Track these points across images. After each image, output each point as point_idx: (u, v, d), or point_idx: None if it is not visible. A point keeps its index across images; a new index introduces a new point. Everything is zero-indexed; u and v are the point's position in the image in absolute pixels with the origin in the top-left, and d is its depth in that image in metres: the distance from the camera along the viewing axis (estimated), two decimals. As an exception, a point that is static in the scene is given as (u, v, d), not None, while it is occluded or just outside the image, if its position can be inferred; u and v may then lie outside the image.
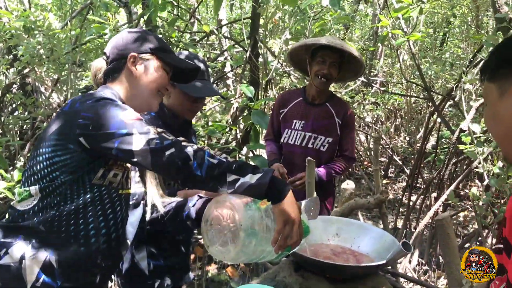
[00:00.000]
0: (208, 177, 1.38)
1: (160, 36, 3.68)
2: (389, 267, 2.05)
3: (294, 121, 2.93)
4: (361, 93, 7.94)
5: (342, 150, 2.92)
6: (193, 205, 1.77)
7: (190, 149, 1.39)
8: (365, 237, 1.99)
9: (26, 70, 4.56)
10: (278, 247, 1.39)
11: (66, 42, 4.27)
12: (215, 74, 5.34)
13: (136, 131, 1.40)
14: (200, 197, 1.81)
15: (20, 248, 1.47)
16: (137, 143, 1.39)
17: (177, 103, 2.15)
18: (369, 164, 8.38)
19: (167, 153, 1.38)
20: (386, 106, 8.46)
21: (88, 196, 1.50)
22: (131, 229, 1.75)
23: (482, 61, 1.19)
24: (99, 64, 1.69)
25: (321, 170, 2.82)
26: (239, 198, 1.42)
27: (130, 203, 1.73)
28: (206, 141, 4.17)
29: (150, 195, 1.84)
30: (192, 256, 4.27)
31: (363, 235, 2.01)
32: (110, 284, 3.23)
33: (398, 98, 7.60)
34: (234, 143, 4.45)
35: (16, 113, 5.44)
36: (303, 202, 1.76)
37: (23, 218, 1.50)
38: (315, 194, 2.36)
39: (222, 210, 1.44)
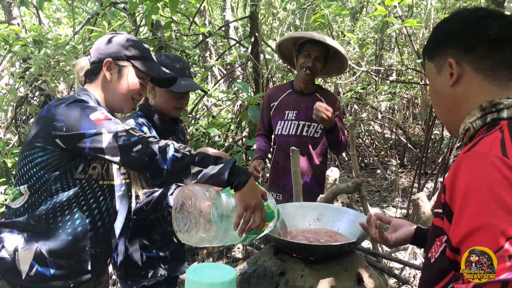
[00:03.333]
0: (173, 170, 1.49)
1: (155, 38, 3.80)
2: (370, 248, 2.10)
3: (287, 112, 3.02)
4: (373, 83, 7.90)
5: None
6: (171, 194, 1.89)
7: (155, 145, 1.50)
8: (344, 220, 2.06)
9: (39, 82, 4.76)
10: (241, 230, 1.49)
11: (72, 52, 4.44)
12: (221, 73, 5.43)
13: (105, 130, 1.51)
14: (178, 186, 1.92)
15: (14, 241, 1.62)
16: (106, 141, 1.51)
17: (162, 102, 2.26)
18: (385, 154, 8.34)
19: (135, 149, 1.49)
20: (402, 96, 8.40)
21: (71, 190, 1.63)
22: (120, 218, 1.87)
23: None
24: (83, 63, 1.80)
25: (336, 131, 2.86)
26: (204, 186, 1.51)
27: (118, 194, 1.84)
28: (207, 140, 4.27)
29: (134, 186, 1.96)
30: (204, 252, 4.39)
31: (342, 218, 2.07)
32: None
33: (410, 86, 7.55)
34: (240, 141, 4.56)
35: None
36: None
37: (16, 215, 1.65)
38: (301, 182, 2.44)
39: (187, 198, 1.53)
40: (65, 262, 1.66)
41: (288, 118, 3.02)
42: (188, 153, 1.50)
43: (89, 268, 1.73)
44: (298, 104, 3.01)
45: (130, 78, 1.75)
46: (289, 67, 5.86)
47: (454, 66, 1.13)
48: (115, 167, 1.83)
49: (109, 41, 1.76)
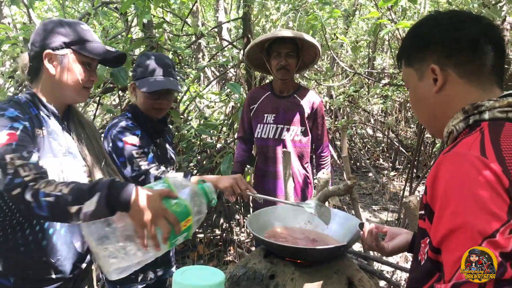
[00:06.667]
0: (53, 215, 1.38)
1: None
2: (362, 251, 2.08)
3: (265, 115, 3.01)
4: (365, 86, 7.92)
5: (315, 140, 3.01)
6: None
7: (29, 192, 1.37)
8: (334, 222, 2.04)
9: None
10: (154, 246, 1.38)
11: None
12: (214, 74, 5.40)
13: None
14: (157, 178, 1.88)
15: None
16: None
17: (142, 102, 2.20)
18: (377, 157, 8.36)
19: (13, 193, 1.38)
20: (394, 99, 8.42)
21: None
22: None
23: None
24: (25, 60, 1.68)
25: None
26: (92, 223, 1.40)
27: None
28: (199, 142, 4.24)
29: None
30: (195, 254, 4.36)
31: (332, 220, 2.04)
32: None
33: (402, 89, 7.57)
34: (232, 142, 4.54)
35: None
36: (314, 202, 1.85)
37: None
38: (292, 184, 2.42)
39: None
40: (24, 273, 1.59)
41: (267, 122, 3.01)
42: (60, 193, 1.36)
43: (54, 276, 1.65)
44: (277, 107, 3.00)
45: (74, 67, 1.63)
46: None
47: (438, 72, 1.12)
48: (72, 165, 1.69)
49: (43, 30, 1.61)
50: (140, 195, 1.36)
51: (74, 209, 1.34)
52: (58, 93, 1.67)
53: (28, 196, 1.36)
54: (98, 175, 1.78)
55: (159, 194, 1.41)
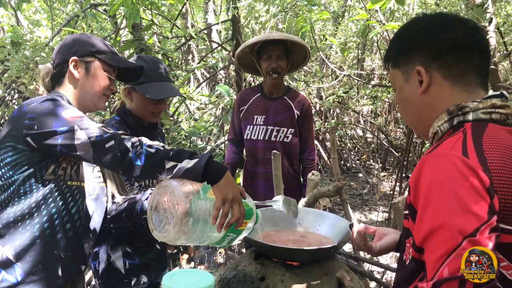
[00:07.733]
0: (147, 166, 1.47)
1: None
2: (352, 252, 2.09)
3: (255, 116, 3.01)
4: (355, 87, 7.95)
5: (303, 142, 3.02)
6: (146, 198, 1.85)
7: (128, 141, 1.48)
8: (324, 224, 2.05)
9: (17, 84, 4.66)
10: (219, 225, 1.46)
11: (51, 54, 4.36)
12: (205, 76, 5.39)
13: (78, 127, 1.50)
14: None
15: None
16: (79, 138, 1.49)
17: (139, 107, 2.19)
18: (367, 157, 8.39)
19: (107, 145, 1.47)
20: (384, 100, 8.46)
21: (40, 191, 1.59)
22: (93, 223, 1.82)
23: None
24: (47, 68, 1.77)
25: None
26: (180, 181, 1.48)
27: (91, 197, 1.80)
28: (189, 144, 4.24)
29: (110, 190, 1.92)
30: (186, 257, 4.35)
31: (322, 223, 2.06)
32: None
33: (391, 90, 7.61)
34: (222, 144, 4.53)
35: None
36: (281, 197, 1.87)
37: None
38: (282, 186, 2.42)
39: (162, 195, 1.51)
40: (34, 266, 1.60)
41: (257, 123, 3.01)
42: (162, 148, 1.49)
43: (60, 273, 1.67)
44: (267, 109, 3.00)
45: (98, 73, 1.74)
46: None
47: (423, 74, 1.13)
48: (87, 169, 1.79)
49: (70, 41, 1.76)
50: (230, 177, 1.52)
51: (170, 164, 1.46)
52: (80, 98, 1.75)
53: (128, 144, 1.48)
54: (109, 181, 1.89)
55: (239, 188, 1.55)
